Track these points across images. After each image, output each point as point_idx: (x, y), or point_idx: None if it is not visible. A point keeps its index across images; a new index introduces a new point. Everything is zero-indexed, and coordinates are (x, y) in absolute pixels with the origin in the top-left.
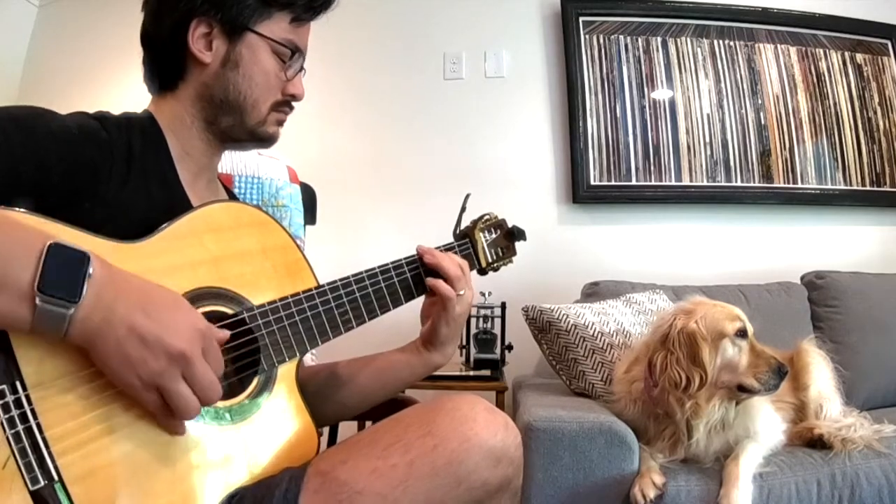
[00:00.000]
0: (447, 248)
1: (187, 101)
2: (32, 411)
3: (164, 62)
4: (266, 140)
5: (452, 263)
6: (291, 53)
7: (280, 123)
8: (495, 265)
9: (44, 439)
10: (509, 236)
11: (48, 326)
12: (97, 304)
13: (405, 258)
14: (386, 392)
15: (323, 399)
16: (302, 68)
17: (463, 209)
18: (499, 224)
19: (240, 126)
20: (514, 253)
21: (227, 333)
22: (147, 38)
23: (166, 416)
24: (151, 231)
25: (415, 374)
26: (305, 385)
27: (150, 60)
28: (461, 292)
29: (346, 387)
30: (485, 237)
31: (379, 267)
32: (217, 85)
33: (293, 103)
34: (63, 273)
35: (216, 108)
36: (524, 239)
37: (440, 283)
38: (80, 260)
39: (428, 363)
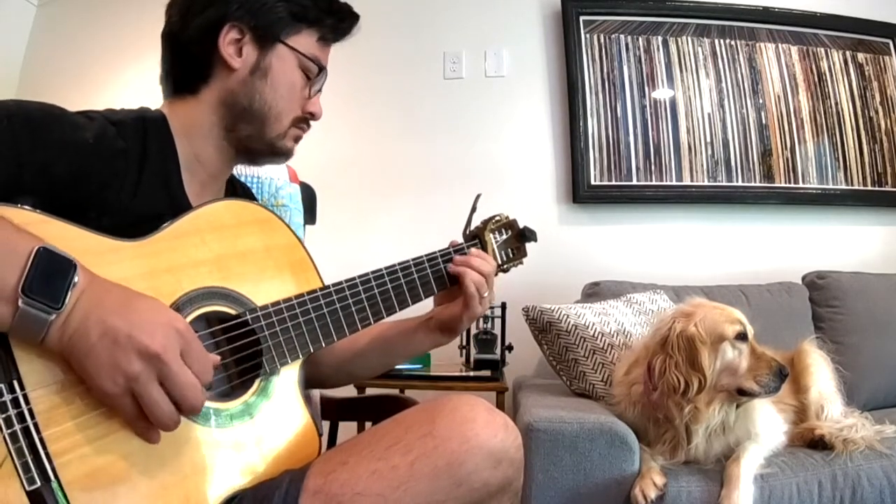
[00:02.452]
0: (457, 251)
1: (209, 106)
2: (30, 411)
3: (189, 63)
4: (283, 154)
5: (484, 263)
6: (318, 70)
7: (297, 140)
8: (505, 266)
9: (41, 439)
10: (520, 237)
11: (27, 329)
12: (75, 312)
13: (413, 259)
14: (388, 359)
15: (326, 365)
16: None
17: (473, 209)
18: (509, 224)
19: (258, 136)
20: (524, 254)
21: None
22: (172, 38)
23: (142, 424)
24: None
25: (419, 350)
26: None
27: (171, 61)
28: (486, 294)
29: (349, 350)
30: (495, 238)
31: (386, 268)
32: (243, 92)
33: (311, 122)
34: (49, 278)
35: (238, 115)
36: (535, 240)
37: (470, 285)
38: (66, 267)
39: (435, 343)
